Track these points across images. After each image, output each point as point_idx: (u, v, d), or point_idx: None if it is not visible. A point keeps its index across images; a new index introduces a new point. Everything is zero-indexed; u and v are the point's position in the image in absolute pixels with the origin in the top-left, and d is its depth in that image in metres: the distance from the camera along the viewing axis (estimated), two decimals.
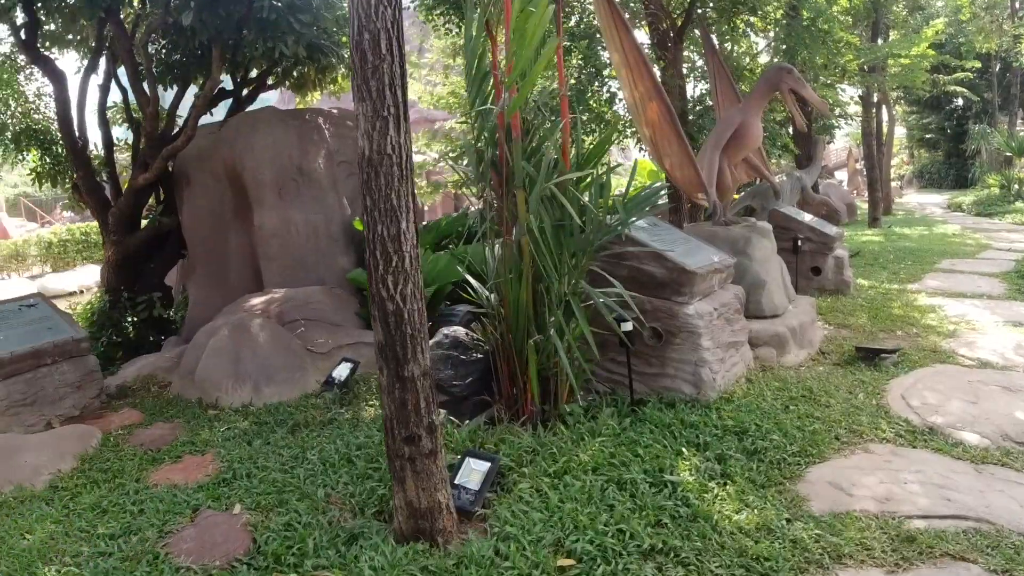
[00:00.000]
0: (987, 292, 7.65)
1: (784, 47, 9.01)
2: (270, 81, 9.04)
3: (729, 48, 10.49)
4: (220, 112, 8.69)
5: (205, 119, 8.43)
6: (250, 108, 8.73)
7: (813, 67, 9.41)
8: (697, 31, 8.89)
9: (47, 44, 7.55)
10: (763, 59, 11.10)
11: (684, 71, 9.34)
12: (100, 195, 7.97)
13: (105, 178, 8.23)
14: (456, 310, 5.96)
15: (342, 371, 5.31)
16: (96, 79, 8.04)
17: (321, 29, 7.42)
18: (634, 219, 3.98)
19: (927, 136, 29.65)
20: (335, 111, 8.47)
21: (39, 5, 6.88)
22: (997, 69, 24.11)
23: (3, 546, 3.40)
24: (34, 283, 18.25)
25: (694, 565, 2.68)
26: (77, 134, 7.62)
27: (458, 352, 4.20)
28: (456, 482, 3.37)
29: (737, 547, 2.76)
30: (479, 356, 4.26)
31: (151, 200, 8.67)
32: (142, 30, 7.11)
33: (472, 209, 8.74)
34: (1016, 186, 19.51)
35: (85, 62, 7.81)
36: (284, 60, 7.56)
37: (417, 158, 16.00)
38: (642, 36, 9.97)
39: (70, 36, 7.66)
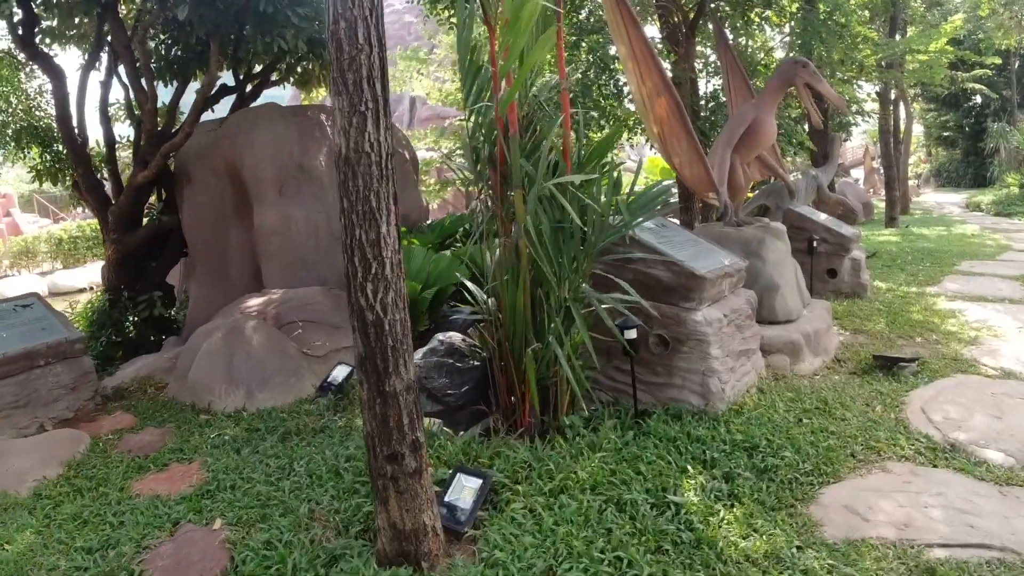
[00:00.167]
0: (1008, 296, 7.36)
1: (799, 42, 8.73)
2: (274, 77, 8.90)
3: (743, 43, 10.22)
4: (225, 109, 8.57)
5: (207, 115, 8.31)
6: (254, 104, 8.59)
7: (830, 63, 9.12)
8: (710, 25, 8.64)
9: (47, 41, 7.44)
10: (778, 54, 10.81)
11: (696, 66, 9.08)
12: (100, 193, 7.85)
13: (106, 176, 8.12)
14: (460, 312, 5.78)
15: (338, 375, 5.14)
16: (97, 75, 7.93)
17: (323, 23, 7.25)
18: (639, 221, 3.76)
19: (945, 134, 29.09)
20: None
21: (36, 1, 6.77)
22: (1016, 66, 23.55)
23: None
24: (44, 279, 18.32)
25: None
26: (76, 131, 7.50)
27: (454, 359, 4.02)
28: (446, 499, 3.18)
29: None
30: (476, 363, 4.07)
31: (152, 198, 8.56)
32: (140, 24, 6.98)
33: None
34: None
35: (86, 58, 7.70)
36: (287, 55, 7.41)
37: (428, 155, 15.87)
38: (653, 30, 9.73)
39: (70, 32, 7.55)
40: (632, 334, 3.73)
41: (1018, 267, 9.20)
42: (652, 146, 8.99)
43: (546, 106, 3.97)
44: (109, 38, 7.30)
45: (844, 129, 13.78)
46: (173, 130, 7.61)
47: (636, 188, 4.08)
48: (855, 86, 11.55)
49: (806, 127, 10.36)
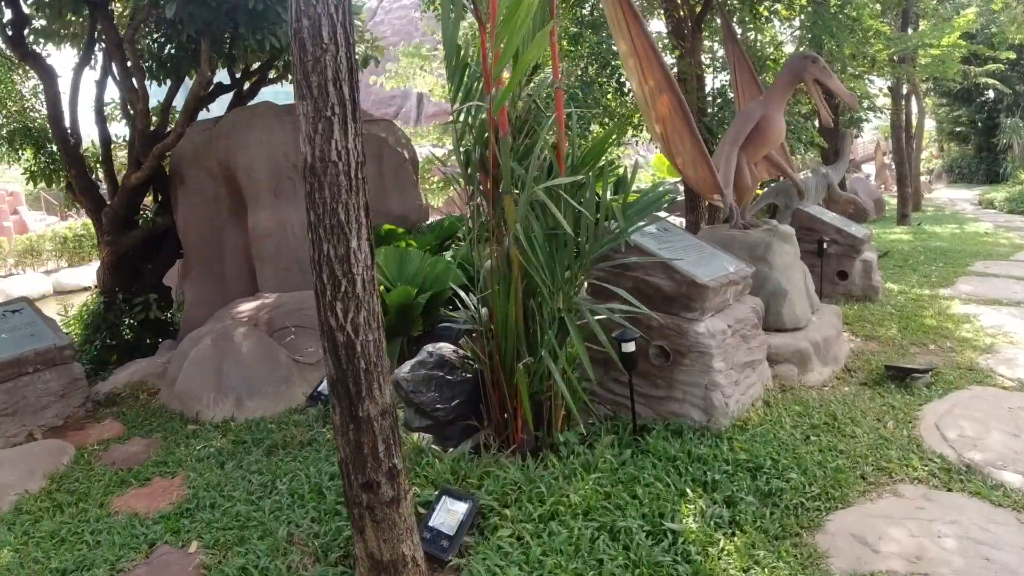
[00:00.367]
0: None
1: (810, 36, 8.47)
2: (272, 74, 8.75)
3: (752, 37, 9.96)
4: (224, 107, 8.42)
5: (204, 114, 8.16)
6: (251, 102, 8.44)
7: (841, 57, 8.85)
8: (717, 19, 8.40)
9: (40, 40, 7.32)
10: (788, 49, 10.54)
11: (703, 61, 8.84)
12: (94, 194, 7.74)
13: (103, 176, 8.01)
14: (457, 319, 5.60)
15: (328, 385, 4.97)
16: (93, 75, 7.81)
17: None
18: (636, 227, 3.56)
19: (957, 129, 28.65)
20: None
21: (28, 1, 6.64)
22: None
23: None
24: (49, 278, 18.31)
25: None
26: (70, 132, 7.38)
27: (444, 372, 3.84)
28: (430, 524, 3.02)
29: None
30: (467, 376, 3.89)
31: (150, 199, 8.44)
32: (130, 23, 6.83)
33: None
34: None
35: (79, 57, 7.57)
36: (283, 52, 7.25)
37: (433, 151, 15.67)
38: (658, 25, 9.50)
39: (63, 31, 7.42)
40: (630, 347, 3.54)
41: None
42: (656, 144, 8.77)
43: (540, 105, 3.77)
44: (102, 37, 7.18)
45: (855, 125, 13.49)
46: (167, 130, 7.48)
47: (640, 188, 3.89)
48: (866, 81, 11.26)
49: (816, 124, 10.10)
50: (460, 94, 3.61)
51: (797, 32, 10.27)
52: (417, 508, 3.19)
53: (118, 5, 7.69)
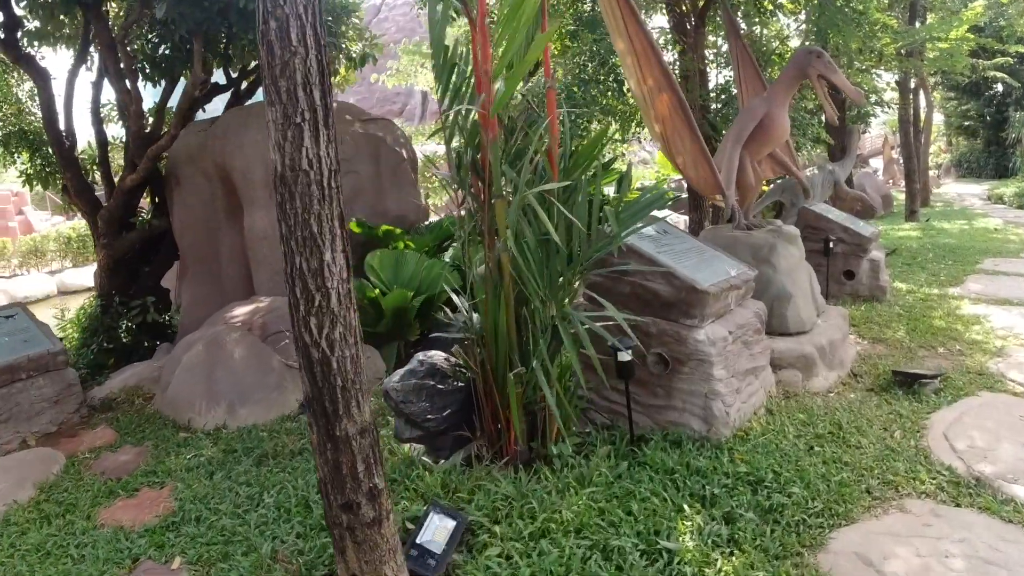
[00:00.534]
0: None
1: (815, 30, 8.30)
2: None
3: (757, 32, 9.78)
4: (221, 107, 8.33)
5: (200, 115, 8.08)
6: (249, 102, 8.35)
7: (847, 51, 8.68)
8: (720, 14, 8.23)
9: (34, 43, 7.24)
10: (794, 44, 10.36)
11: (707, 56, 8.67)
12: (90, 196, 7.67)
13: (99, 178, 7.94)
14: (449, 325, 5.50)
15: None
16: (89, 76, 7.73)
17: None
18: (630, 231, 3.44)
19: (966, 123, 28.37)
20: (332, 104, 8.03)
21: (21, 3, 6.56)
22: None
23: None
24: (53, 278, 18.32)
25: None
26: (64, 134, 7.31)
27: (435, 381, 3.73)
28: (418, 541, 2.91)
29: None
30: (459, 385, 3.78)
31: (147, 201, 8.37)
32: (121, 24, 6.74)
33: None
34: None
35: (74, 59, 7.49)
36: None
37: (442, 150, 15.49)
38: (660, 20, 9.34)
39: (58, 33, 7.34)
40: (626, 356, 3.43)
41: None
42: (656, 144, 8.63)
43: (533, 105, 3.65)
44: (96, 38, 7.09)
45: (863, 120, 13.27)
46: (162, 132, 7.39)
47: (644, 186, 3.76)
48: (874, 75, 11.06)
49: (822, 120, 9.93)
50: (448, 94, 3.49)
51: (804, 26, 10.09)
52: (405, 523, 3.10)
53: (114, 5, 7.61)
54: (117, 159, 8.59)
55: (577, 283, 3.51)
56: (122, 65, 6.75)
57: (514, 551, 2.76)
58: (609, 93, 7.69)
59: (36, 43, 7.27)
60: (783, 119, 5.38)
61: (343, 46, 8.00)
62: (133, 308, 7.80)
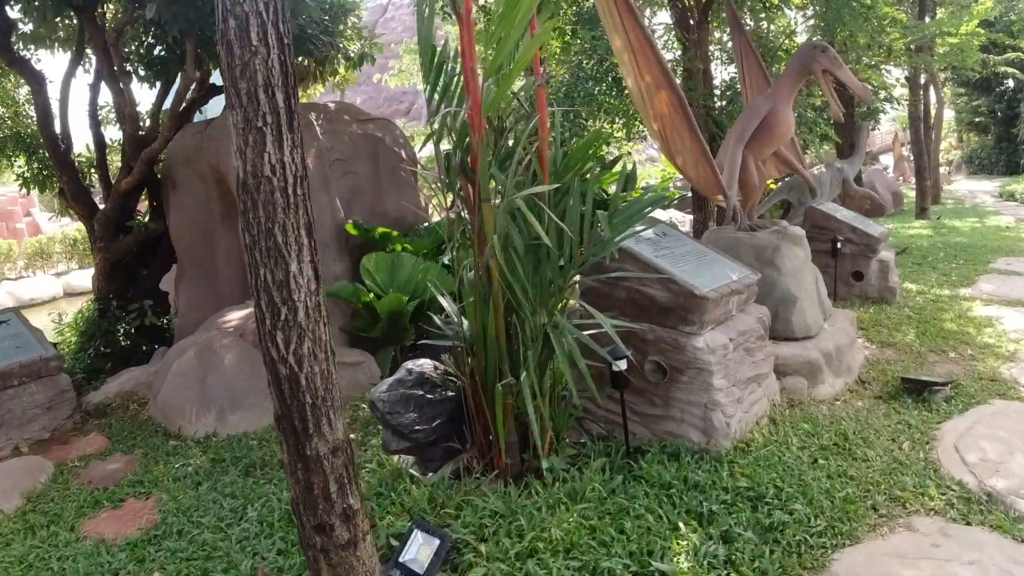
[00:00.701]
0: None
1: (823, 25, 8.11)
2: None
3: (764, 27, 9.59)
4: (219, 110, 8.24)
5: (200, 116, 7.99)
6: None
7: (855, 47, 8.48)
8: (724, 9, 8.06)
9: (29, 46, 7.16)
10: (801, 39, 10.16)
11: (711, 52, 8.50)
12: (86, 200, 7.60)
13: (98, 182, 7.86)
14: (444, 329, 5.37)
15: None
16: (87, 78, 7.65)
17: (309, 19, 6.87)
18: (624, 235, 3.30)
19: (977, 119, 28.01)
20: (331, 104, 7.94)
21: (13, 5, 6.48)
22: None
23: None
24: (59, 280, 18.36)
25: None
26: (60, 137, 7.23)
27: (424, 390, 3.61)
28: (401, 560, 2.79)
29: None
30: (450, 394, 3.66)
31: (146, 204, 8.29)
32: (113, 25, 6.65)
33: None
34: None
35: (69, 61, 7.41)
36: None
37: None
38: (664, 16, 9.17)
39: (53, 36, 7.26)
40: (621, 365, 3.29)
41: None
42: (655, 144, 8.47)
43: (524, 104, 3.53)
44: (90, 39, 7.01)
45: (872, 117, 13.04)
46: (157, 134, 7.30)
47: (648, 185, 3.63)
48: (883, 71, 10.84)
49: (830, 117, 9.73)
50: (437, 95, 3.37)
51: (812, 21, 9.89)
52: (389, 539, 2.99)
53: (111, 7, 7.53)
54: (116, 162, 8.51)
55: (570, 290, 3.38)
56: (115, 67, 6.66)
57: (499, 572, 2.63)
58: (612, 92, 7.53)
59: (32, 46, 7.20)
60: (787, 116, 5.22)
61: (341, 45, 7.88)
62: (131, 312, 7.72)
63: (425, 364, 3.73)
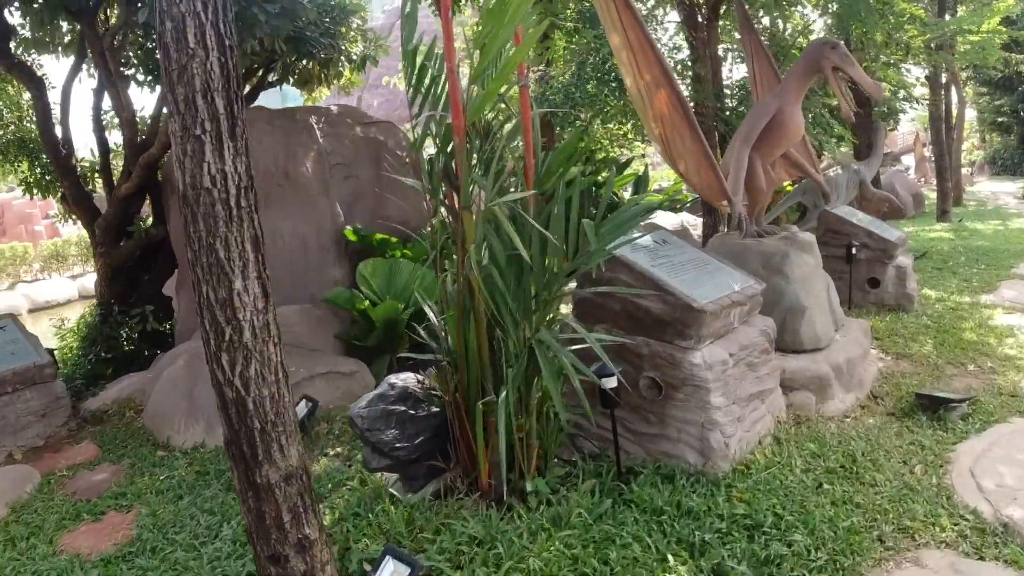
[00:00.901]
0: None
1: (838, 22, 7.85)
2: (272, 78, 8.48)
3: (779, 26, 9.34)
4: None
5: None
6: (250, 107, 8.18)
7: (872, 44, 8.19)
8: (734, 7, 7.83)
9: (30, 51, 7.14)
10: (816, 37, 9.88)
11: (720, 52, 8.26)
12: (88, 205, 7.56)
13: (101, 186, 7.83)
14: (428, 342, 5.23)
15: (299, 411, 4.65)
16: (91, 83, 7.62)
17: (308, 21, 6.76)
18: (614, 244, 3.12)
19: (999, 119, 27.31)
20: (333, 108, 7.85)
21: (13, 10, 6.44)
22: None
23: None
24: (75, 283, 18.51)
25: None
26: (61, 142, 7.20)
27: (407, 406, 3.46)
28: None
29: None
30: (434, 410, 3.50)
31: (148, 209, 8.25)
32: (110, 30, 6.59)
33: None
34: None
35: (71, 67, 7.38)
36: (284, 55, 6.97)
37: None
38: (673, 15, 8.95)
39: (56, 42, 7.23)
40: (611, 383, 3.12)
41: None
42: (655, 148, 8.25)
43: (511, 107, 3.37)
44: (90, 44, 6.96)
45: (891, 117, 12.69)
46: (156, 139, 7.25)
47: (660, 188, 3.44)
48: (903, 70, 10.52)
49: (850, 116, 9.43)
50: (419, 98, 3.22)
51: (827, 19, 9.62)
52: (362, 564, 2.84)
53: (112, 12, 7.49)
54: (117, 167, 8.49)
55: (557, 302, 3.21)
56: (113, 72, 6.61)
57: None
58: (617, 93, 7.33)
59: (33, 51, 7.17)
60: (797, 116, 5.00)
61: (343, 47, 7.78)
62: (133, 317, 7.67)
63: (408, 378, 3.58)
